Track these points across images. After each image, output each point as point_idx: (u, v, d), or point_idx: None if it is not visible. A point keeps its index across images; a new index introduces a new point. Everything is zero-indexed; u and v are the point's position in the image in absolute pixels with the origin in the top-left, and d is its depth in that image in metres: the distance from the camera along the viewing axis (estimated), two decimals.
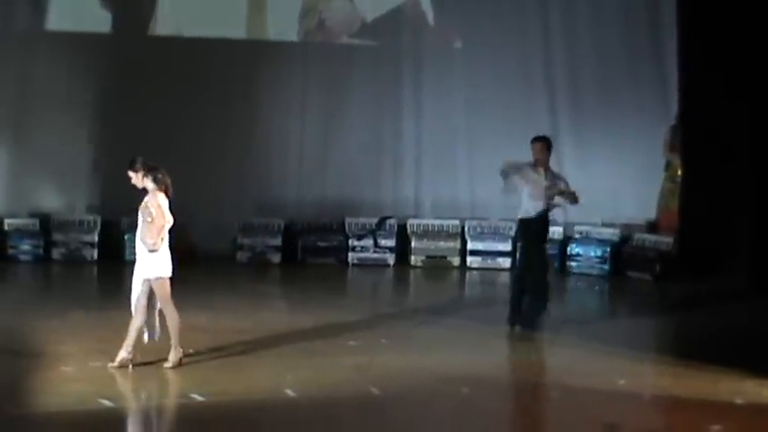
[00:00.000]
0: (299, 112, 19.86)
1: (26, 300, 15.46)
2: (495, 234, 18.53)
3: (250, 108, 19.57)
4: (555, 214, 19.17)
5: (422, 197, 19.98)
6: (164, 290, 11.02)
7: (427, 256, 19.04)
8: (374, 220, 19.16)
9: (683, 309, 15.75)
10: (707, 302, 15.83)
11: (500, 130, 19.24)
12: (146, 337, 11.11)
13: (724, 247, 17.43)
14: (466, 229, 19.06)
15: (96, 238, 18.43)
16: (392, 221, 19.22)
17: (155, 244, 10.96)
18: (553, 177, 13.56)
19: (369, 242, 19.03)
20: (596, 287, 17.63)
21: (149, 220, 11.00)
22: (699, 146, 17.91)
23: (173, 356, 11.06)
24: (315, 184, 19.78)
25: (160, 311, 11.11)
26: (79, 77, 19.21)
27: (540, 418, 10.07)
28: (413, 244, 19.06)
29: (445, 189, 19.81)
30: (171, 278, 11.08)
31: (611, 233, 18.67)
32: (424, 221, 19.34)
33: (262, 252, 18.86)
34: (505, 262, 18.60)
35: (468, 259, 18.93)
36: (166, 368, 10.99)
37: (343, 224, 19.21)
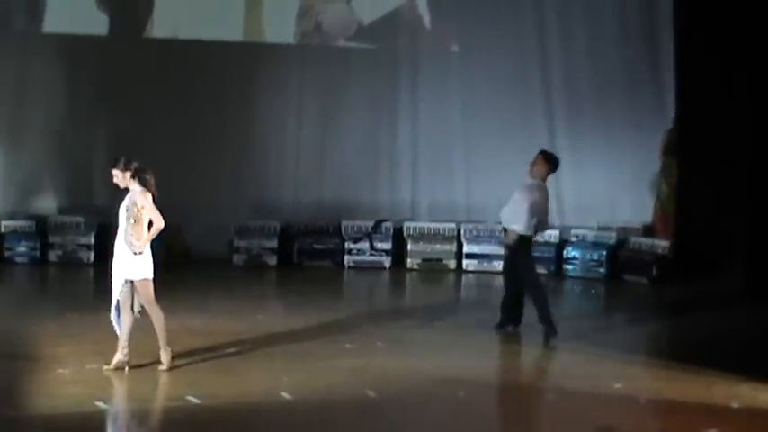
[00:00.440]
0: (296, 114, 19.87)
1: (22, 302, 15.46)
2: (492, 237, 18.51)
3: (246, 110, 19.58)
4: (551, 218, 19.34)
5: (418, 200, 19.99)
6: (148, 291, 10.99)
7: (423, 259, 19.05)
8: (370, 223, 19.16)
9: (679, 312, 15.77)
10: (703, 306, 15.84)
11: (497, 133, 19.27)
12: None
13: (720, 250, 17.44)
14: (462, 232, 19.07)
15: (93, 241, 18.41)
16: (388, 224, 19.23)
17: (142, 246, 10.95)
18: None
19: (365, 245, 19.03)
20: (592, 290, 17.64)
21: (133, 221, 10.95)
22: (695, 149, 17.92)
23: (164, 358, 11.06)
24: (311, 187, 19.79)
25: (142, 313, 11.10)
26: (76, 80, 19.22)
27: (536, 421, 10.07)
28: (409, 247, 19.07)
29: (442, 192, 19.82)
30: (155, 279, 11.08)
31: (608, 236, 18.68)
32: (421, 224, 19.35)
33: (258, 254, 18.86)
34: (501, 265, 18.57)
35: (465, 262, 18.93)
36: (161, 370, 10.99)
37: (339, 227, 19.21)
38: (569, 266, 18.62)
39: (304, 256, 19.04)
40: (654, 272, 17.81)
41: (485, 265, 18.58)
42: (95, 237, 18.41)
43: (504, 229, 13.50)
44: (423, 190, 19.98)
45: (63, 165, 19.25)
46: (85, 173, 18.97)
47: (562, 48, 19.83)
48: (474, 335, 13.27)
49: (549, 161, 13.35)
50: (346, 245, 19.05)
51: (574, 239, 18.83)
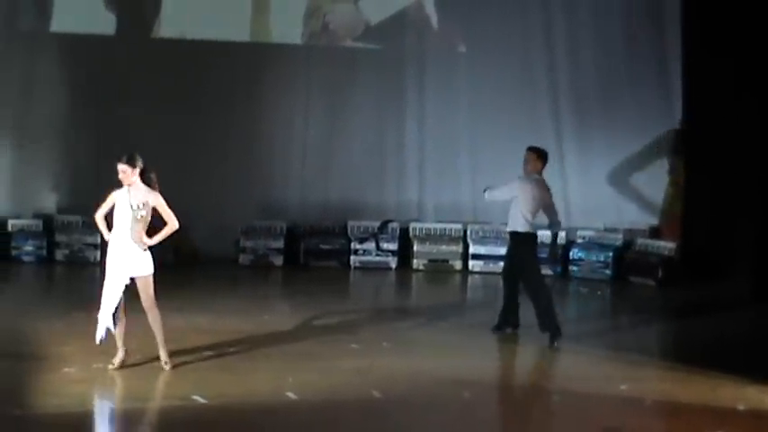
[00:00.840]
0: (303, 114, 19.88)
1: (29, 301, 15.48)
2: (498, 238, 18.50)
3: (253, 110, 19.59)
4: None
5: (424, 201, 19.99)
6: (151, 287, 11.01)
7: (429, 260, 19.06)
8: (377, 224, 19.17)
9: (685, 314, 15.76)
10: (709, 308, 15.84)
11: (503, 134, 19.26)
12: (99, 337, 11.06)
13: (727, 252, 17.45)
14: (468, 232, 19.08)
15: (99, 240, 18.41)
16: (394, 225, 19.24)
17: (151, 242, 10.98)
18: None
19: (371, 245, 19.04)
20: (598, 292, 17.63)
21: (140, 217, 10.96)
22: (702, 151, 17.92)
23: (165, 356, 11.06)
24: (318, 187, 19.79)
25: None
26: (83, 79, 19.23)
27: (541, 423, 10.07)
28: (415, 247, 19.08)
29: (448, 193, 19.82)
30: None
31: (614, 238, 18.68)
32: (427, 225, 19.36)
33: (264, 255, 18.88)
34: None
35: (471, 263, 18.94)
36: (167, 369, 10.99)
37: (345, 227, 19.23)
38: (575, 268, 18.63)
39: (310, 256, 19.05)
40: (660, 274, 17.80)
41: (491, 266, 18.56)
42: (101, 236, 18.39)
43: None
44: (429, 191, 19.98)
45: (69, 164, 19.27)
46: (92, 172, 18.96)
47: (569, 49, 19.82)
48: (479, 336, 13.28)
49: (542, 156, 13.38)
50: (352, 245, 19.07)
51: (580, 241, 18.83)
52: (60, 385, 10.47)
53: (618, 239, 18.64)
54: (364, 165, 19.75)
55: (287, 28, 20.05)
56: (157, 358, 11.11)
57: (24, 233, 18.64)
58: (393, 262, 19.07)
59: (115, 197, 11.00)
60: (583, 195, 19.56)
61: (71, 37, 19.39)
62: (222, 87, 19.40)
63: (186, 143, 19.08)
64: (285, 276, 18.49)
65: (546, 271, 18.39)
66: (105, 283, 11.04)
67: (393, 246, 19.11)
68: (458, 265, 19.05)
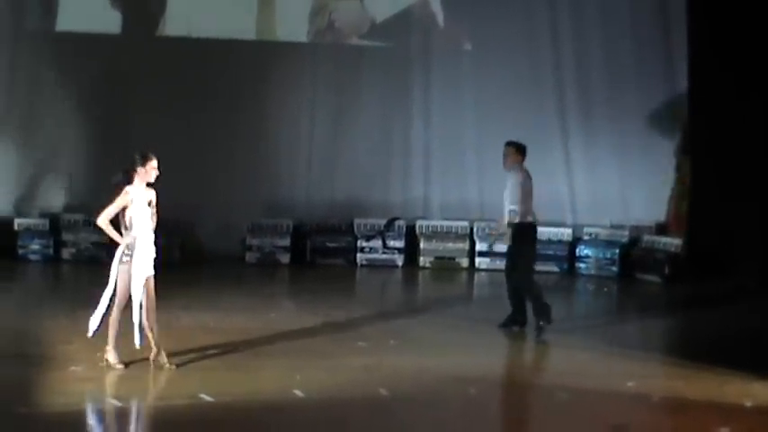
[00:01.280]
0: (309, 112, 19.89)
1: (36, 299, 15.51)
2: (501, 236, 18.47)
3: (259, 109, 19.60)
4: (563, 216, 19.34)
5: (431, 198, 19.99)
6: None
7: (436, 258, 19.06)
8: (383, 222, 19.18)
9: (691, 311, 15.76)
10: (716, 304, 15.83)
11: (509, 132, 19.10)
12: (138, 341, 11.01)
13: (733, 248, 17.43)
14: (474, 230, 19.07)
15: (107, 239, 18.40)
16: (401, 223, 19.24)
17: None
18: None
19: (377, 243, 19.05)
20: (605, 289, 17.61)
21: (153, 213, 10.98)
22: (708, 148, 17.90)
23: (164, 357, 11.05)
24: (324, 185, 19.80)
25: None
26: (89, 78, 19.27)
27: (547, 420, 10.06)
28: (421, 245, 19.09)
29: (454, 190, 19.82)
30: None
31: (621, 235, 18.67)
32: (433, 223, 19.36)
33: (270, 252, 18.89)
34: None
35: (477, 260, 18.95)
36: (173, 367, 10.98)
37: (351, 225, 19.24)
38: (582, 265, 18.64)
39: (317, 254, 19.07)
40: (666, 270, 17.80)
41: (497, 264, 18.52)
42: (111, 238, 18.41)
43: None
44: (435, 188, 19.98)
45: (76, 162, 19.28)
46: (98, 170, 18.96)
47: (575, 47, 19.81)
48: (486, 333, 13.27)
49: (521, 150, 13.45)
50: (359, 243, 19.07)
51: (586, 238, 18.83)
52: (67, 383, 10.47)
53: (624, 236, 18.64)
54: (370, 162, 19.76)
55: (293, 26, 20.06)
56: (150, 358, 11.08)
57: (31, 232, 18.68)
58: (399, 259, 19.08)
59: (132, 195, 10.90)
60: (589, 193, 19.56)
61: (77, 36, 19.42)
62: (228, 85, 19.41)
63: (192, 141, 19.10)
64: (292, 274, 18.50)
65: (552, 268, 18.50)
66: (131, 281, 10.89)
67: (399, 243, 19.13)
68: (464, 262, 19.06)
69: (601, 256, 18.54)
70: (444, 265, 18.95)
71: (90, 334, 10.99)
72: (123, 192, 10.85)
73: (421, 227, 19.22)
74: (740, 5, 17.13)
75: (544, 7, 19.90)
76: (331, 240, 19.13)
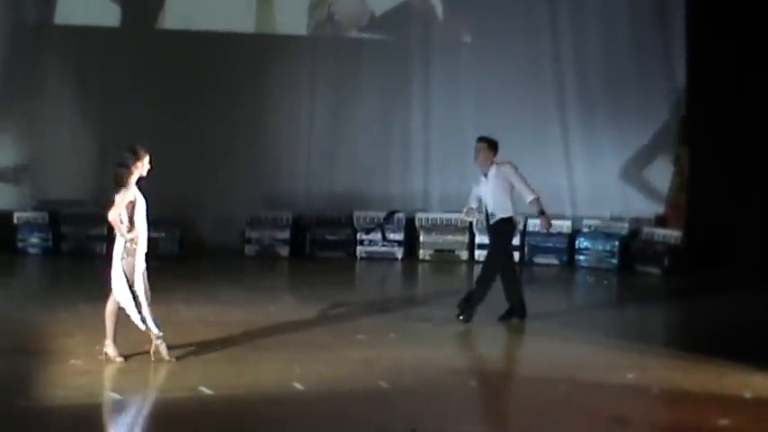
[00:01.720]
0: (308, 105, 19.86)
1: (35, 293, 15.51)
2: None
3: (259, 101, 19.58)
4: (562, 208, 19.32)
5: (430, 191, 19.97)
6: None
7: (435, 250, 19.05)
8: (382, 214, 19.17)
9: (691, 303, 15.75)
10: (715, 296, 15.83)
11: (509, 124, 19.18)
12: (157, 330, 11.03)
13: (733, 240, 17.43)
14: (474, 222, 19.03)
15: (105, 232, 18.41)
16: (400, 215, 19.23)
17: None
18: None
19: (377, 236, 19.04)
20: (605, 281, 17.61)
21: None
22: (707, 139, 17.89)
23: (164, 347, 11.06)
24: (323, 178, 19.79)
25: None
26: (88, 71, 19.24)
27: (548, 412, 10.06)
28: (421, 238, 19.07)
29: (454, 183, 19.72)
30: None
31: (620, 227, 18.67)
32: (433, 215, 19.35)
33: (270, 245, 18.88)
34: (514, 256, 18.60)
35: (477, 253, 18.89)
36: (172, 360, 10.98)
37: (351, 218, 19.23)
38: (581, 257, 18.62)
39: (316, 246, 19.06)
40: (666, 262, 17.80)
41: None
42: (108, 228, 18.42)
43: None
44: (435, 181, 19.96)
45: (75, 156, 19.27)
46: (97, 164, 18.97)
47: (574, 39, 19.76)
48: (486, 326, 13.27)
49: (493, 146, 13.37)
50: (358, 236, 19.07)
51: (586, 230, 18.82)
52: (67, 377, 10.48)
53: (624, 228, 18.63)
54: (370, 155, 19.74)
55: (292, 19, 20.04)
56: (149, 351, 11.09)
57: (30, 225, 18.68)
58: (399, 252, 19.08)
59: (134, 190, 10.94)
60: (589, 185, 19.55)
61: (76, 29, 19.40)
62: (227, 78, 19.39)
63: (191, 134, 19.09)
64: (291, 267, 18.50)
65: (552, 260, 18.51)
66: (135, 275, 10.91)
67: (399, 236, 19.12)
68: (464, 255, 19.05)
69: (600, 248, 18.53)
70: (444, 258, 18.94)
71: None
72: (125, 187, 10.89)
73: (420, 219, 19.22)
74: None
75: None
76: (330, 233, 19.13)
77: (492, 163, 13.26)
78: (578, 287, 17.64)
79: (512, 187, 13.22)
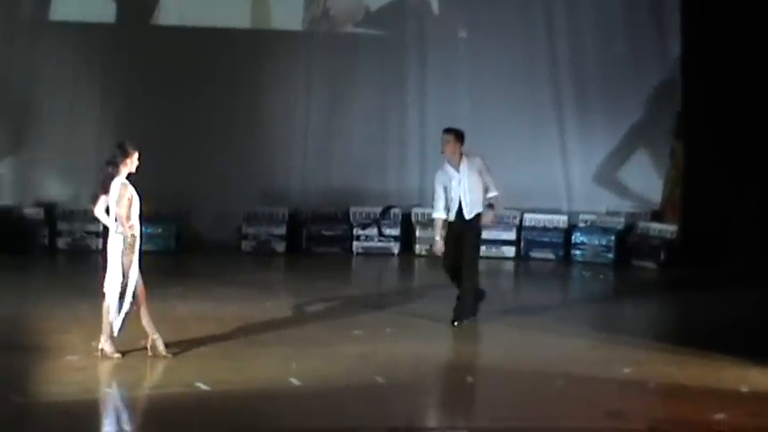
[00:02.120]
0: (304, 100, 19.84)
1: (31, 289, 15.49)
2: (499, 223, 18.46)
3: (254, 97, 19.55)
4: (558, 203, 19.34)
5: (426, 186, 19.87)
6: None
7: (432, 246, 19.01)
8: (379, 210, 19.16)
9: (687, 297, 15.77)
10: (712, 291, 15.83)
11: (504, 119, 19.24)
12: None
13: (728, 235, 17.43)
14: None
15: (101, 228, 18.40)
16: (397, 211, 19.22)
17: None
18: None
19: (373, 231, 19.03)
20: (601, 276, 17.61)
21: None
22: (703, 134, 17.89)
23: (161, 343, 11.06)
24: (319, 174, 19.76)
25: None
26: (84, 67, 19.21)
27: (545, 407, 10.07)
28: (417, 233, 19.04)
29: None
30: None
31: (616, 222, 18.67)
32: (429, 210, 19.27)
33: (266, 241, 18.86)
34: (509, 251, 18.64)
35: None
36: (169, 356, 10.99)
37: (347, 213, 19.21)
38: (577, 252, 18.61)
39: (312, 242, 19.05)
40: (662, 257, 17.81)
41: (493, 251, 18.52)
42: (104, 225, 18.39)
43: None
44: (431, 176, 19.84)
45: (72, 152, 19.24)
46: (93, 160, 18.93)
47: (570, 35, 19.72)
48: (482, 321, 13.27)
49: (459, 137, 13.28)
50: (355, 231, 19.05)
51: (582, 225, 18.82)
52: (63, 373, 10.49)
53: (620, 223, 18.63)
54: (366, 150, 19.71)
55: (287, 14, 20.01)
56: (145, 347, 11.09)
57: (26, 221, 18.63)
58: (395, 248, 19.06)
59: (130, 187, 10.97)
60: (585, 180, 19.54)
61: (71, 25, 19.36)
62: (223, 74, 19.35)
63: (187, 130, 19.06)
64: (287, 263, 18.49)
65: (548, 255, 18.52)
66: (131, 271, 10.91)
67: (395, 231, 19.10)
68: None
69: (596, 242, 18.51)
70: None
71: (115, 331, 10.96)
72: (122, 185, 10.90)
73: (417, 215, 19.19)
74: None
75: None
76: (327, 229, 19.11)
77: (461, 155, 13.19)
78: (574, 282, 17.65)
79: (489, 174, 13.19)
